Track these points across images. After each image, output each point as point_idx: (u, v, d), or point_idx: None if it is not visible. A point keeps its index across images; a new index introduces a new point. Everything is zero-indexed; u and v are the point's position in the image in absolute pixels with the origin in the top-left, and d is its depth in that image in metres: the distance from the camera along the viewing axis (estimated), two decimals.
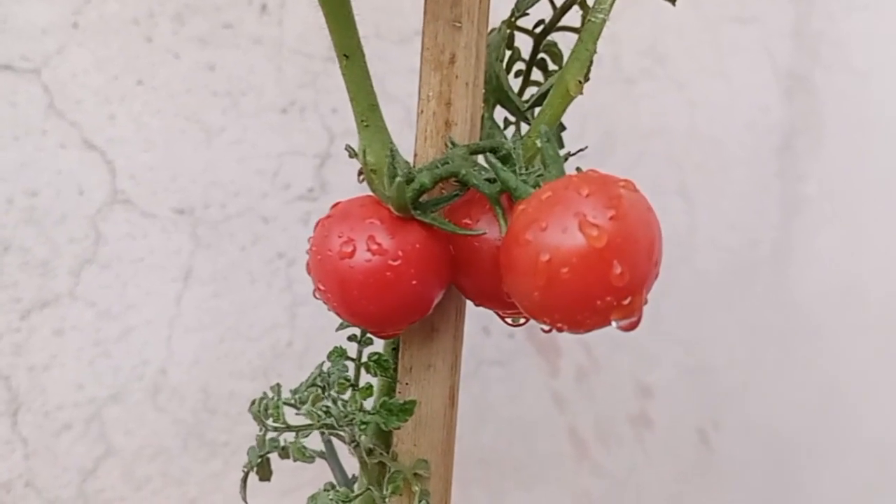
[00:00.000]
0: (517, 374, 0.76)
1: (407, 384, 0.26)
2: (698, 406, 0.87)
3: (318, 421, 0.24)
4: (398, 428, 0.24)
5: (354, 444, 0.24)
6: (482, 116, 0.31)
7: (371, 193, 0.23)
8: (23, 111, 0.56)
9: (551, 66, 0.32)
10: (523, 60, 0.32)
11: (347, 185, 0.68)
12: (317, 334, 0.67)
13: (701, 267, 0.85)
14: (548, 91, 0.29)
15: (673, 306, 0.84)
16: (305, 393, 0.24)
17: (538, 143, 0.22)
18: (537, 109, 0.32)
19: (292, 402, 0.26)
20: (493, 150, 0.23)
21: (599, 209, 0.19)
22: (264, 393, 0.26)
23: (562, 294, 0.19)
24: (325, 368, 0.29)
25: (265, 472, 0.31)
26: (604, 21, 0.25)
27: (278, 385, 0.31)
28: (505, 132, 0.29)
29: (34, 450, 0.58)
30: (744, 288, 0.88)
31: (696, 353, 0.86)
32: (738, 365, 0.89)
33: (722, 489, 0.89)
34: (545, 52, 0.31)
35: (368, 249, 0.21)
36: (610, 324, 0.19)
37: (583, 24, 0.26)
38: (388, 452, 0.26)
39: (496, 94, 0.30)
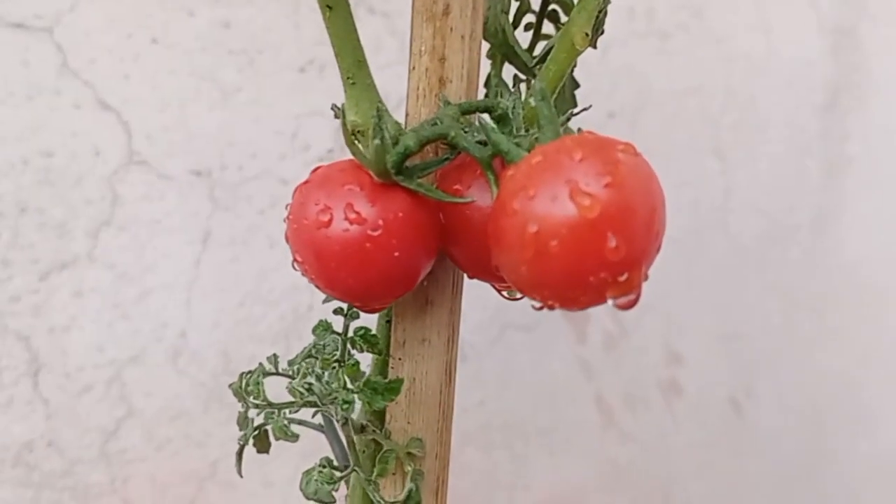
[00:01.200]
0: (543, 340, 0.74)
1: (400, 359, 0.25)
2: (730, 373, 0.85)
3: (301, 398, 0.23)
4: (384, 407, 0.23)
5: (342, 422, 0.23)
6: (489, 74, 0.29)
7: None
8: (36, 70, 0.55)
9: (563, 18, 0.29)
10: (533, 12, 0.30)
11: None
12: None
13: (735, 230, 0.82)
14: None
15: (705, 271, 0.81)
16: (300, 365, 0.23)
17: (531, 102, 0.20)
18: None
19: (289, 373, 0.24)
20: (489, 110, 0.21)
21: (593, 176, 0.17)
22: (260, 364, 0.25)
23: (551, 269, 0.17)
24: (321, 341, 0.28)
25: (263, 445, 0.30)
26: None
27: (275, 356, 0.30)
28: (517, 90, 0.27)
29: (55, 410, 0.59)
30: (780, 252, 0.85)
31: (729, 320, 0.84)
32: (773, 332, 0.86)
33: (753, 457, 0.87)
34: (556, 2, 0.29)
35: (346, 218, 0.20)
36: (606, 301, 0.18)
37: None
38: (381, 430, 0.25)
39: (503, 48, 0.28)
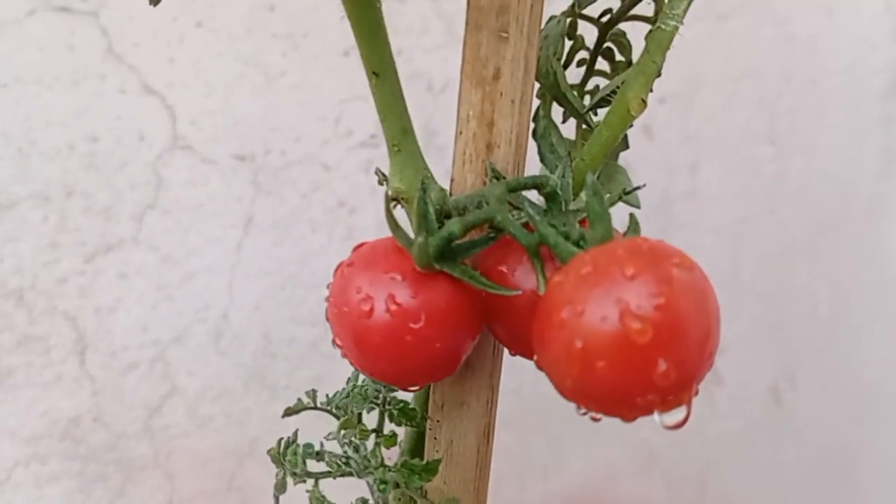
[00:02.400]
0: None
1: (438, 421, 0.24)
2: (773, 362, 0.83)
3: (338, 469, 0.23)
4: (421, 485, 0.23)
5: (379, 489, 0.23)
6: (537, 109, 0.28)
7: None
8: (81, 55, 0.55)
9: (618, 57, 0.28)
10: (587, 49, 0.28)
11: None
12: None
13: (786, 218, 0.80)
14: (611, 94, 0.26)
15: (753, 258, 0.79)
16: (338, 436, 0.23)
17: (583, 196, 0.19)
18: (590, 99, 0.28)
19: (313, 452, 0.24)
20: (537, 186, 0.21)
21: (645, 296, 0.16)
22: (288, 437, 0.25)
23: (597, 386, 0.17)
24: (360, 380, 0.28)
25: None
26: (675, 29, 0.22)
27: (314, 391, 0.30)
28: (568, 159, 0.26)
29: (102, 387, 0.60)
30: (832, 241, 0.82)
31: (776, 308, 0.82)
32: (819, 321, 0.84)
33: (791, 446, 0.86)
34: (612, 41, 0.27)
35: (387, 310, 0.19)
36: (652, 415, 0.17)
37: (651, 27, 0.23)
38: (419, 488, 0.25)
39: (552, 90, 0.27)
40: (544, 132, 0.28)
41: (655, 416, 0.17)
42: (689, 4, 0.21)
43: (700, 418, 0.81)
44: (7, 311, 0.57)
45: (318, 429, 0.32)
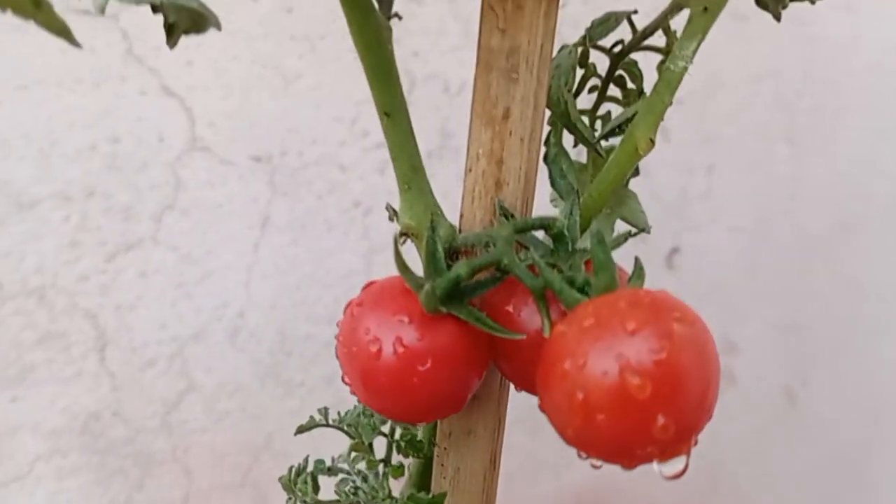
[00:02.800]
0: None
1: (445, 449, 0.25)
2: (787, 364, 0.83)
3: (347, 498, 0.24)
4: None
5: None
6: (548, 136, 0.28)
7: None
8: (102, 57, 0.55)
9: (630, 84, 0.28)
10: (599, 77, 0.28)
11: (427, 132, 0.66)
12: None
13: (803, 218, 0.79)
14: (621, 125, 0.26)
15: (769, 259, 0.79)
16: (347, 464, 0.23)
17: (587, 245, 0.19)
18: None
19: (325, 468, 0.25)
20: (544, 227, 0.21)
21: (645, 352, 0.17)
22: (310, 460, 0.26)
23: (597, 437, 0.17)
24: None
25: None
26: (685, 70, 0.22)
27: (325, 409, 0.31)
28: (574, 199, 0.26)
29: (121, 383, 0.61)
30: (849, 242, 0.82)
31: (790, 310, 0.82)
32: (836, 322, 0.84)
33: (805, 446, 0.86)
34: (624, 69, 0.28)
35: (395, 353, 0.20)
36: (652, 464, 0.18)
37: (662, 61, 0.23)
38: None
39: (563, 119, 0.27)
40: (555, 158, 0.28)
41: (655, 465, 0.17)
42: (698, 45, 0.21)
43: (714, 418, 0.81)
44: (29, 309, 0.58)
45: (330, 441, 0.33)
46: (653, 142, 0.22)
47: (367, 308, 0.21)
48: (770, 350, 0.82)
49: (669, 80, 0.22)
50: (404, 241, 0.23)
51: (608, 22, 0.25)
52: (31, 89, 0.55)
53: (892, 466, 0.89)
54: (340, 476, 0.26)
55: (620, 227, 0.33)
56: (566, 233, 0.21)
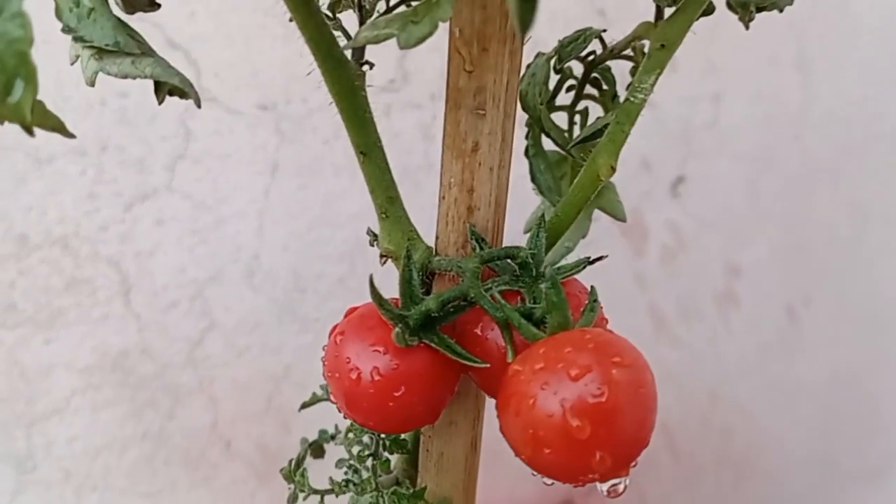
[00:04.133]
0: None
1: (430, 437, 0.28)
2: (790, 283, 0.85)
3: (339, 489, 0.27)
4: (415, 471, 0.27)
5: None
6: (525, 149, 0.30)
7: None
8: None
9: (604, 86, 0.29)
10: (575, 78, 0.29)
11: (429, 74, 0.66)
12: None
13: (811, 143, 0.79)
14: (597, 133, 0.27)
15: (775, 184, 0.80)
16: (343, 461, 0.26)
17: (541, 287, 0.21)
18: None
19: (328, 436, 0.28)
20: (510, 257, 0.23)
21: (586, 396, 0.19)
22: (298, 456, 0.29)
23: (546, 466, 0.20)
24: None
25: (318, 452, 0.34)
26: (644, 102, 0.23)
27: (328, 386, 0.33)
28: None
29: (146, 324, 0.65)
30: (855, 165, 0.82)
31: (795, 232, 0.83)
32: (839, 244, 0.85)
33: (804, 363, 0.89)
34: (598, 73, 0.29)
35: (372, 380, 0.22)
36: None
37: (633, 70, 0.24)
38: (413, 485, 0.28)
39: (539, 123, 0.28)
40: (534, 156, 0.30)
41: (598, 485, 0.20)
42: (656, 79, 0.23)
43: (715, 337, 0.84)
44: (55, 258, 0.61)
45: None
46: (613, 169, 0.23)
47: (347, 338, 0.23)
48: (773, 271, 0.84)
49: (629, 112, 0.23)
50: (385, 262, 0.25)
51: (577, 41, 0.26)
52: (39, 48, 0.56)
53: (891, 382, 0.92)
54: (337, 458, 0.29)
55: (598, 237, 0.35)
56: (530, 261, 0.22)
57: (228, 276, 0.66)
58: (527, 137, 0.30)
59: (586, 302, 0.22)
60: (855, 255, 0.86)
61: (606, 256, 0.23)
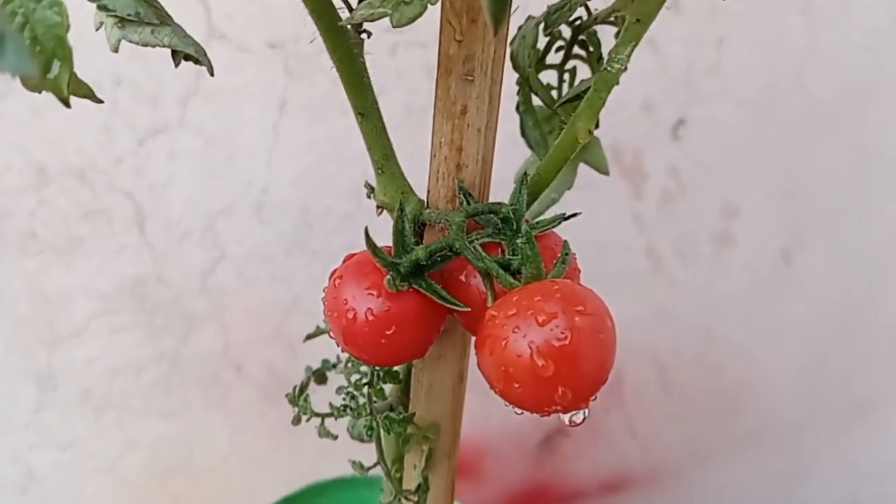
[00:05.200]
0: (599, 197, 0.77)
1: (420, 368, 0.31)
2: (786, 227, 0.87)
3: (339, 413, 0.30)
4: (403, 435, 0.30)
5: (368, 430, 0.29)
6: (516, 105, 0.32)
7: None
8: None
9: (591, 49, 0.31)
10: (564, 40, 0.31)
11: (435, 14, 0.67)
12: (405, 160, 0.71)
13: (813, 89, 0.80)
14: (580, 94, 0.29)
15: (776, 130, 0.81)
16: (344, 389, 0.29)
17: (517, 242, 0.24)
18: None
19: (330, 365, 0.31)
20: (493, 212, 0.25)
21: (552, 340, 0.21)
22: (302, 383, 0.32)
23: (515, 398, 0.22)
24: None
25: (321, 380, 0.37)
26: (619, 72, 0.25)
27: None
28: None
29: (161, 253, 0.68)
30: (859, 110, 0.83)
31: (793, 177, 0.85)
32: (839, 189, 0.87)
33: (798, 303, 0.92)
34: (585, 37, 0.30)
35: (366, 320, 0.25)
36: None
37: (598, 68, 0.26)
38: (406, 412, 0.31)
39: (527, 84, 0.30)
40: (524, 112, 0.32)
41: (560, 415, 0.23)
42: (632, 50, 0.24)
43: (709, 276, 0.87)
44: (73, 188, 0.64)
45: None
46: (591, 132, 0.25)
47: (345, 282, 0.26)
48: (770, 214, 0.86)
49: (607, 80, 0.25)
50: (381, 213, 0.27)
51: (563, 9, 0.27)
52: None
53: (885, 323, 0.94)
54: (337, 385, 0.32)
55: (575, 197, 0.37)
56: (511, 216, 0.25)
57: (239, 210, 0.68)
58: (518, 94, 0.32)
59: (559, 255, 0.25)
60: (852, 201, 0.88)
61: (580, 214, 0.26)
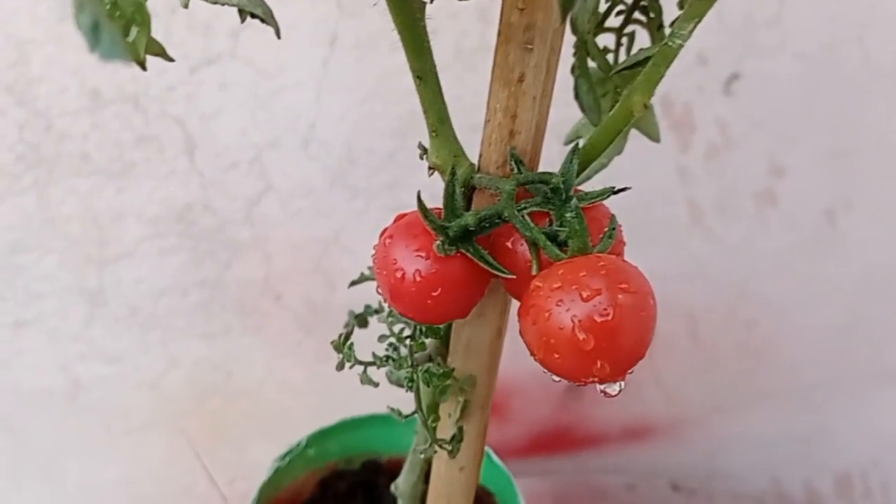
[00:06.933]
0: (644, 148, 0.77)
1: (461, 325, 0.32)
2: (833, 188, 0.86)
3: (381, 362, 0.31)
4: (441, 386, 0.31)
5: (409, 381, 0.31)
6: (571, 68, 0.32)
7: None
8: None
9: (652, 15, 0.31)
10: (625, 3, 0.31)
11: None
12: (453, 102, 0.70)
13: (873, 48, 0.78)
14: (641, 62, 0.29)
15: (830, 88, 0.79)
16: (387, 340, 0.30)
17: (566, 215, 0.24)
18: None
19: (372, 311, 0.32)
20: (544, 182, 0.26)
21: (595, 315, 0.22)
22: (347, 331, 0.33)
23: (554, 367, 0.23)
24: None
25: (363, 322, 0.39)
26: (681, 47, 0.25)
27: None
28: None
29: (209, 181, 0.69)
30: None
31: (844, 137, 0.83)
32: (888, 152, 0.85)
33: (838, 264, 0.91)
34: (646, 2, 0.30)
35: (414, 280, 0.26)
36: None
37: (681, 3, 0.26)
38: (444, 362, 0.33)
39: (585, 48, 0.30)
40: (579, 76, 0.32)
41: (597, 385, 0.24)
42: (694, 26, 0.24)
43: (749, 233, 0.87)
44: (127, 113, 0.65)
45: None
46: (646, 106, 0.25)
47: (395, 241, 0.27)
48: (817, 175, 0.84)
49: (667, 55, 0.25)
50: (432, 173, 0.28)
51: None
52: None
53: None
54: (379, 334, 0.33)
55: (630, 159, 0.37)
56: (561, 186, 0.25)
57: (285, 143, 0.69)
58: (574, 56, 0.32)
59: (606, 229, 0.25)
60: None
61: (630, 188, 0.26)
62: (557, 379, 0.24)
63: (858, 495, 0.99)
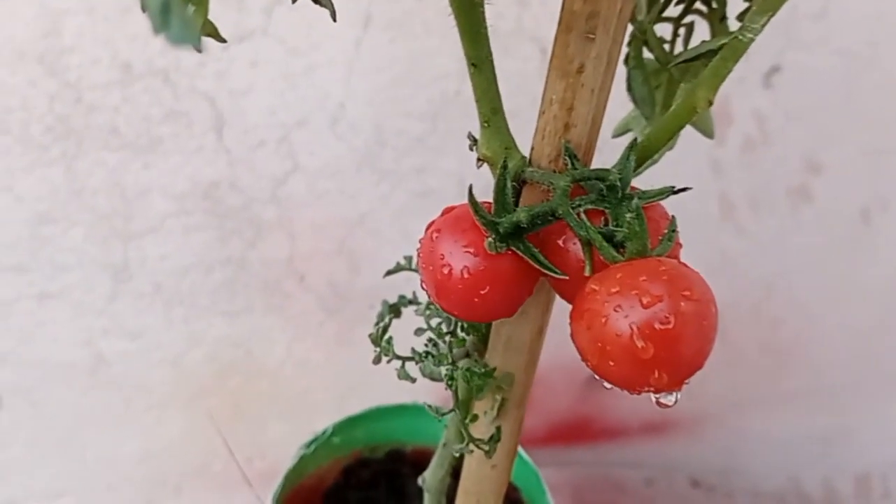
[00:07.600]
0: (679, 138, 0.75)
1: (502, 322, 0.31)
2: (869, 186, 0.84)
3: (420, 358, 0.30)
4: (481, 384, 0.30)
5: (449, 379, 0.30)
6: (627, 57, 0.30)
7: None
8: None
9: (714, 5, 0.29)
10: None
11: None
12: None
13: None
14: (703, 54, 0.28)
15: (871, 85, 0.77)
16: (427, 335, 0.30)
17: (626, 216, 0.23)
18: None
19: (406, 301, 0.31)
20: (600, 179, 0.24)
21: (655, 323, 0.21)
22: (384, 324, 0.32)
23: (608, 375, 0.22)
24: None
25: (397, 313, 0.38)
26: (751, 41, 0.24)
27: (410, 258, 0.36)
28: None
29: (236, 159, 0.69)
30: None
31: (884, 135, 0.81)
32: None
33: (869, 264, 0.89)
34: None
35: (461, 277, 0.25)
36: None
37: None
38: (482, 357, 0.32)
39: (643, 38, 0.29)
40: (634, 67, 0.31)
41: (651, 396, 0.23)
42: (767, 20, 0.23)
43: (781, 230, 0.85)
44: (156, 88, 0.65)
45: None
46: (711, 102, 0.24)
47: (443, 236, 0.25)
48: (854, 172, 0.82)
49: (736, 49, 0.24)
50: (480, 165, 0.27)
51: None
52: None
53: None
54: (416, 327, 0.32)
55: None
56: (618, 183, 0.24)
57: (314, 123, 0.68)
58: (628, 46, 0.31)
59: (665, 231, 0.24)
60: None
61: (691, 188, 0.25)
62: (609, 386, 0.23)
63: (877, 497, 0.98)
